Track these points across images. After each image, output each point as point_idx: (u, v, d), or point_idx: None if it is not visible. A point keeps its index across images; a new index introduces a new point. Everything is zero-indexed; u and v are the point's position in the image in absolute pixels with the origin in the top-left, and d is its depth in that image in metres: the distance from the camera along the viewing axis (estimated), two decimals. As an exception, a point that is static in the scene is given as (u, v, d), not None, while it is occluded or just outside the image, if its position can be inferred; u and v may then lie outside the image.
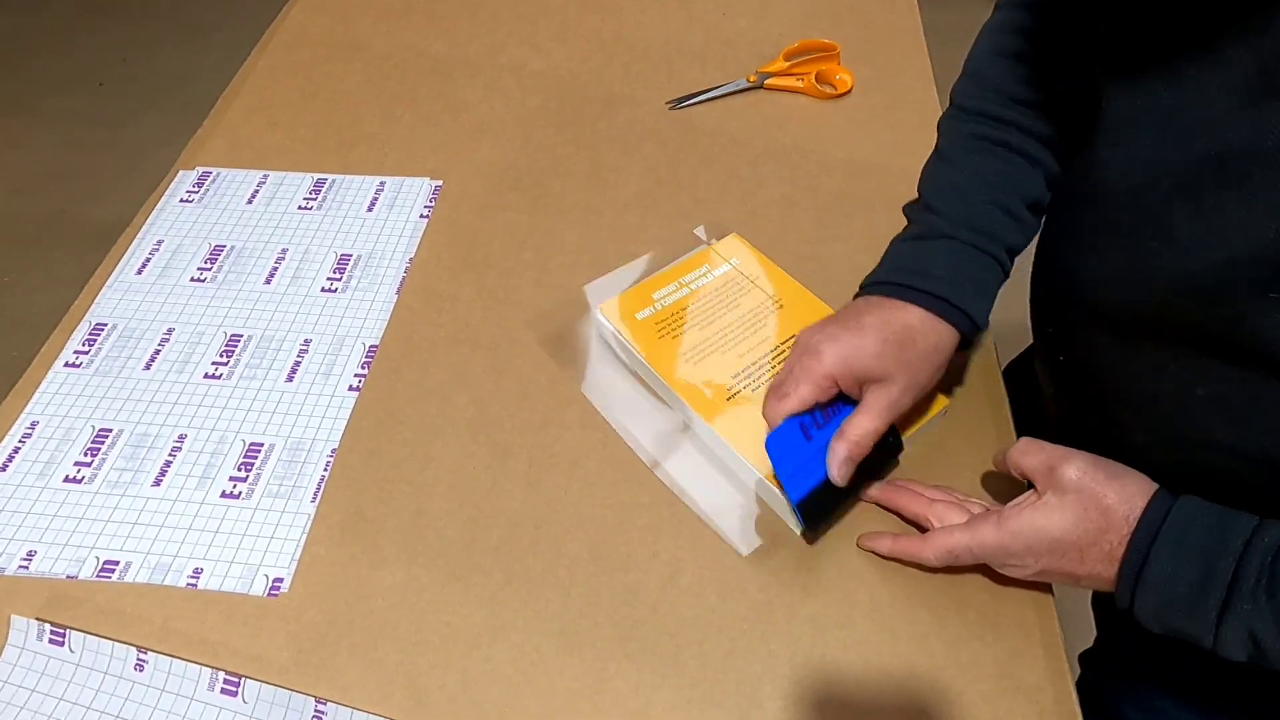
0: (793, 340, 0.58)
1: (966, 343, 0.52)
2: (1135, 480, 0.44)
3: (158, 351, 0.62)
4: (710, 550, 0.52)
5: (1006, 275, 0.54)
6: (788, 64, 0.83)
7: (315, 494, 0.55)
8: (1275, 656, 0.38)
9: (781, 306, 0.62)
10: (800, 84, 0.82)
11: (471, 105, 0.82)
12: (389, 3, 0.93)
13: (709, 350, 0.59)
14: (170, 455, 0.56)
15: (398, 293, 0.66)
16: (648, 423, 0.58)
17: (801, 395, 0.49)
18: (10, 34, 2.34)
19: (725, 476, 0.55)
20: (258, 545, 0.52)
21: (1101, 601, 0.70)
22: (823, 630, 0.49)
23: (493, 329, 0.64)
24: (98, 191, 1.95)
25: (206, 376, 0.61)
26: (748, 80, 0.82)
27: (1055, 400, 0.59)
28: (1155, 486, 0.43)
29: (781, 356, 0.59)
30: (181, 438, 0.57)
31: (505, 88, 0.84)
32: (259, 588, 0.50)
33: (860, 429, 0.48)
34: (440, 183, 0.74)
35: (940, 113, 0.60)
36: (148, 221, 0.71)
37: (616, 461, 0.56)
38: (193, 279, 0.67)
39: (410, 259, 0.68)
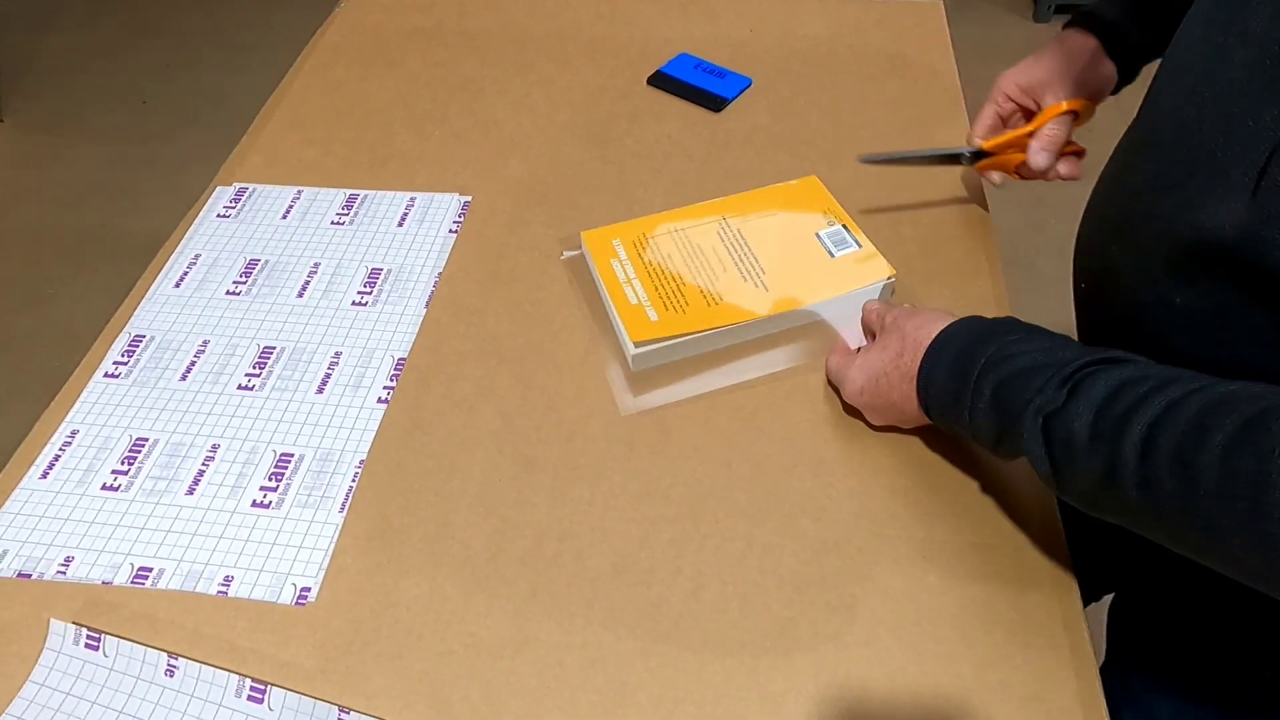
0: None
1: (1113, 48, 0.65)
2: (935, 318, 0.52)
3: (193, 363, 0.64)
4: (734, 566, 0.52)
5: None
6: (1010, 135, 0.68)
7: (343, 504, 0.55)
8: (1011, 445, 0.45)
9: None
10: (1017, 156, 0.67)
11: (500, 122, 0.83)
12: (421, 23, 0.95)
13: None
14: (204, 464, 0.58)
15: (426, 306, 0.67)
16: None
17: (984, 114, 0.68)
18: (61, 53, 2.42)
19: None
20: (286, 554, 0.53)
21: (1116, 619, 0.69)
22: (847, 648, 0.49)
23: (519, 342, 0.64)
24: (138, 206, 2.00)
25: (240, 388, 0.62)
26: (968, 147, 0.68)
27: (1079, 332, 0.62)
28: (951, 318, 0.51)
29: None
30: (215, 447, 0.58)
31: (534, 104, 0.85)
32: (287, 596, 0.51)
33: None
34: (469, 198, 0.75)
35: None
36: (186, 236, 0.73)
37: (641, 474, 0.56)
38: (228, 292, 0.68)
39: (439, 273, 0.69)
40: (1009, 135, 0.67)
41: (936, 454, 0.57)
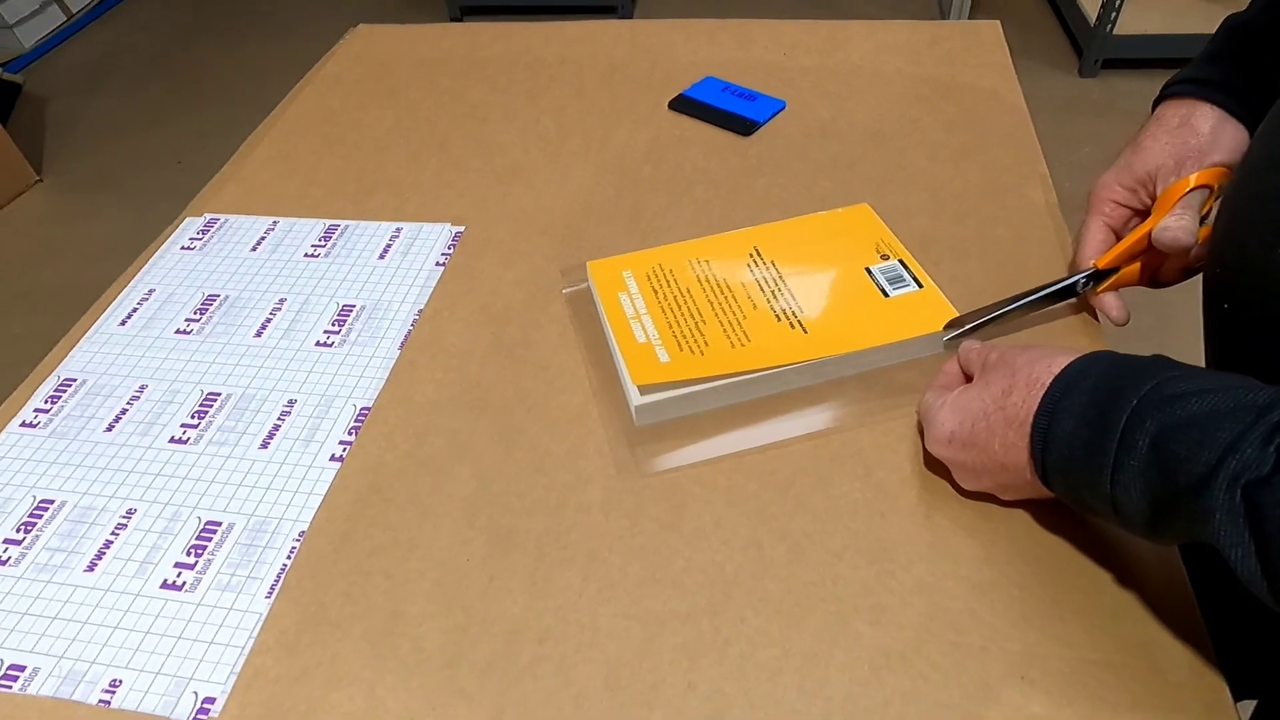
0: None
1: (1238, 114, 0.51)
2: (1056, 351, 0.41)
3: (124, 411, 0.54)
4: (766, 683, 0.39)
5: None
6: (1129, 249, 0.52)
7: (272, 587, 0.44)
8: (1180, 525, 0.33)
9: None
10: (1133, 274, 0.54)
11: (505, 149, 0.74)
12: (428, 51, 0.89)
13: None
14: (113, 533, 0.47)
15: (401, 348, 0.57)
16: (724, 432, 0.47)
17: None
18: (104, 117, 2.47)
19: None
20: (193, 652, 0.42)
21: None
22: (923, 810, 0.35)
23: (506, 390, 0.54)
24: (164, 262, 1.97)
25: (172, 440, 0.52)
26: (1081, 273, 0.53)
27: (1214, 365, 0.49)
28: (1077, 354, 0.40)
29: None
30: (130, 512, 0.48)
31: (543, 131, 0.76)
32: (184, 709, 0.40)
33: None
34: (462, 228, 0.66)
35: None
36: (143, 269, 0.65)
37: (646, 556, 0.44)
38: (178, 330, 0.59)
39: (420, 310, 0.59)
40: (1129, 239, 0.52)
41: (1033, 536, 0.44)
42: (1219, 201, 0.47)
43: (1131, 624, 0.40)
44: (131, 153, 2.33)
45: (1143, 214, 0.54)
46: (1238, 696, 0.57)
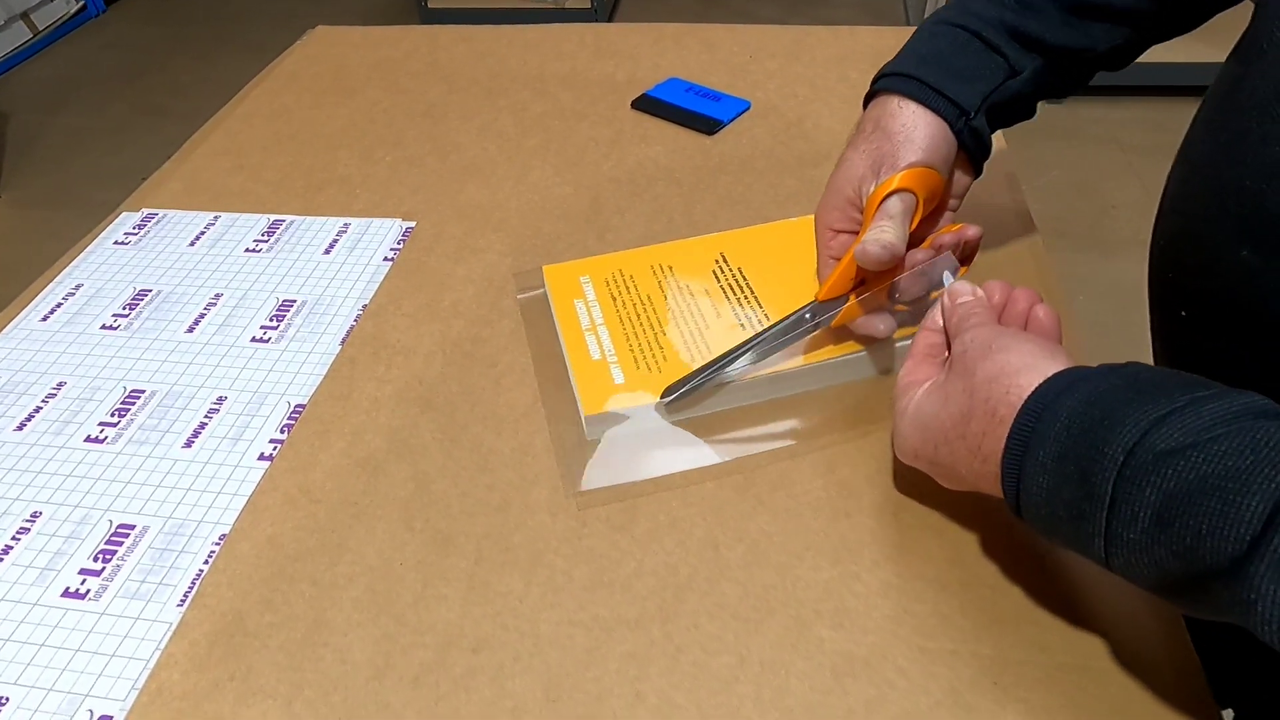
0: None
1: (952, 124, 0.45)
2: (1016, 366, 0.34)
3: (38, 409, 0.50)
4: (720, 692, 0.36)
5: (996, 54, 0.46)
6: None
7: (186, 595, 0.41)
8: (1205, 608, 0.29)
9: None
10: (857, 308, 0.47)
11: (462, 147, 0.72)
12: (388, 52, 0.86)
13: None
14: (14, 539, 0.43)
15: (342, 343, 0.54)
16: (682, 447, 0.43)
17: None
18: (67, 133, 2.42)
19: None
20: (91, 666, 0.38)
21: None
22: (888, 829, 0.32)
23: (451, 388, 0.51)
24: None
25: (88, 440, 0.48)
26: (804, 308, 0.48)
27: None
28: (1054, 366, 0.33)
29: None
30: (35, 515, 0.44)
31: (502, 129, 0.74)
32: (76, 729, 0.36)
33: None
34: (413, 224, 0.63)
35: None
36: (71, 264, 0.62)
37: (594, 558, 0.41)
38: (104, 326, 0.56)
39: (364, 305, 0.56)
40: (839, 266, 0.45)
41: (1006, 535, 0.41)
42: (1164, 202, 0.44)
43: (1110, 627, 0.38)
44: (93, 168, 2.28)
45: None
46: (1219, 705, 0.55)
